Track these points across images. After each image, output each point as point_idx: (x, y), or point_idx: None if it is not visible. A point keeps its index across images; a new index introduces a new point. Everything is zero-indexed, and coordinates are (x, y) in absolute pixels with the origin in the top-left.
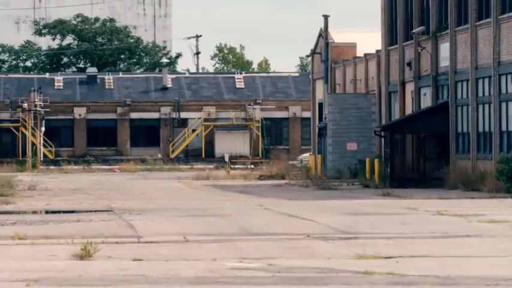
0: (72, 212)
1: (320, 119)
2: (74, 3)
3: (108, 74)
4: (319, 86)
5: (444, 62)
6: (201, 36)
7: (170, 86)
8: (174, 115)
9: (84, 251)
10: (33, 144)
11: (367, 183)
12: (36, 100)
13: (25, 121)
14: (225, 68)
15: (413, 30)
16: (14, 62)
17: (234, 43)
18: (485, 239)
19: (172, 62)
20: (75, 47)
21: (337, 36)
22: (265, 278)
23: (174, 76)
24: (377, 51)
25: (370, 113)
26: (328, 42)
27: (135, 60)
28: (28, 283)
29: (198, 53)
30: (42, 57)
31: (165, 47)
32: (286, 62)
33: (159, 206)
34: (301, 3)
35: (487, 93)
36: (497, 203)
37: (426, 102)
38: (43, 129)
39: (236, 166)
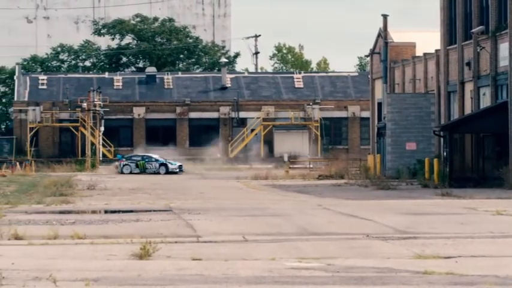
0: (131, 211)
1: (379, 119)
2: (133, 2)
3: (167, 74)
4: (378, 86)
5: (503, 61)
6: (259, 36)
7: (229, 85)
8: (233, 115)
9: (143, 250)
10: (92, 143)
11: (426, 183)
12: (96, 100)
13: (84, 121)
14: (284, 67)
15: (473, 30)
16: (73, 62)
17: (292, 43)
18: None
19: (231, 62)
20: (134, 46)
21: (396, 35)
22: (324, 277)
23: (233, 76)
24: (436, 50)
25: (429, 113)
26: (387, 41)
27: (194, 60)
28: (87, 282)
29: (257, 53)
30: (102, 56)
31: (224, 47)
32: (345, 62)
33: (218, 206)
34: (360, 2)
35: None
36: None
37: (485, 101)
38: (102, 128)
39: (295, 166)
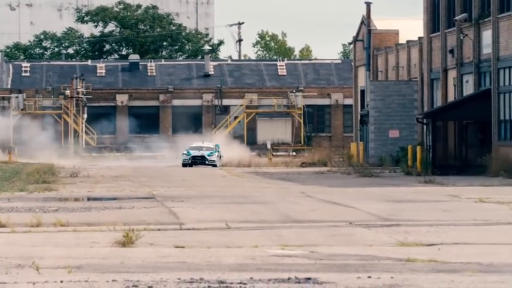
0: (114, 199)
1: (362, 106)
2: None
3: (151, 61)
4: (362, 73)
5: (486, 49)
6: (243, 23)
7: (212, 73)
8: (216, 102)
9: (126, 238)
10: (75, 131)
11: (409, 170)
12: (79, 87)
13: (67, 108)
14: (267, 55)
15: (456, 18)
16: (57, 49)
17: (276, 30)
18: None
19: (215, 49)
20: (117, 34)
21: (380, 23)
22: (307, 265)
23: (216, 63)
24: (419, 38)
25: (412, 100)
26: (370, 29)
27: (177, 47)
28: (70, 270)
29: (240, 40)
30: (85, 44)
31: (207, 34)
32: (328, 49)
33: (201, 193)
34: None
35: None
36: None
37: (468, 89)
38: (85, 116)
39: (278, 153)
